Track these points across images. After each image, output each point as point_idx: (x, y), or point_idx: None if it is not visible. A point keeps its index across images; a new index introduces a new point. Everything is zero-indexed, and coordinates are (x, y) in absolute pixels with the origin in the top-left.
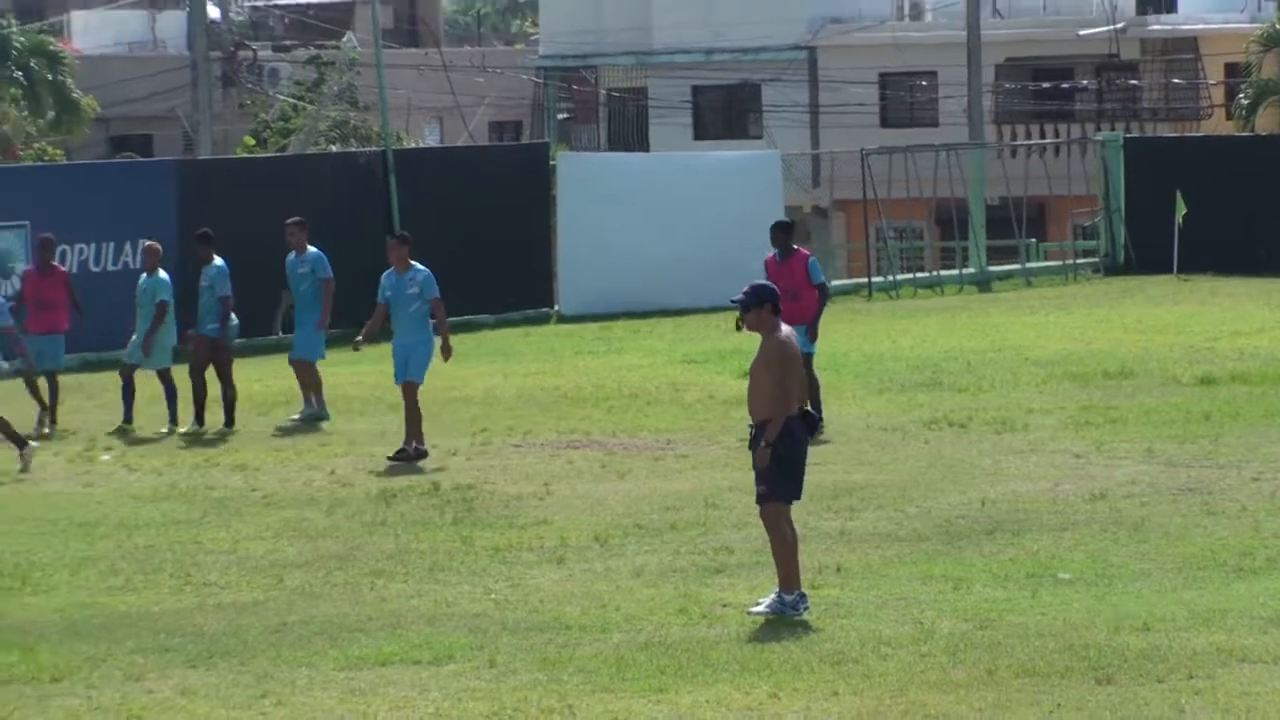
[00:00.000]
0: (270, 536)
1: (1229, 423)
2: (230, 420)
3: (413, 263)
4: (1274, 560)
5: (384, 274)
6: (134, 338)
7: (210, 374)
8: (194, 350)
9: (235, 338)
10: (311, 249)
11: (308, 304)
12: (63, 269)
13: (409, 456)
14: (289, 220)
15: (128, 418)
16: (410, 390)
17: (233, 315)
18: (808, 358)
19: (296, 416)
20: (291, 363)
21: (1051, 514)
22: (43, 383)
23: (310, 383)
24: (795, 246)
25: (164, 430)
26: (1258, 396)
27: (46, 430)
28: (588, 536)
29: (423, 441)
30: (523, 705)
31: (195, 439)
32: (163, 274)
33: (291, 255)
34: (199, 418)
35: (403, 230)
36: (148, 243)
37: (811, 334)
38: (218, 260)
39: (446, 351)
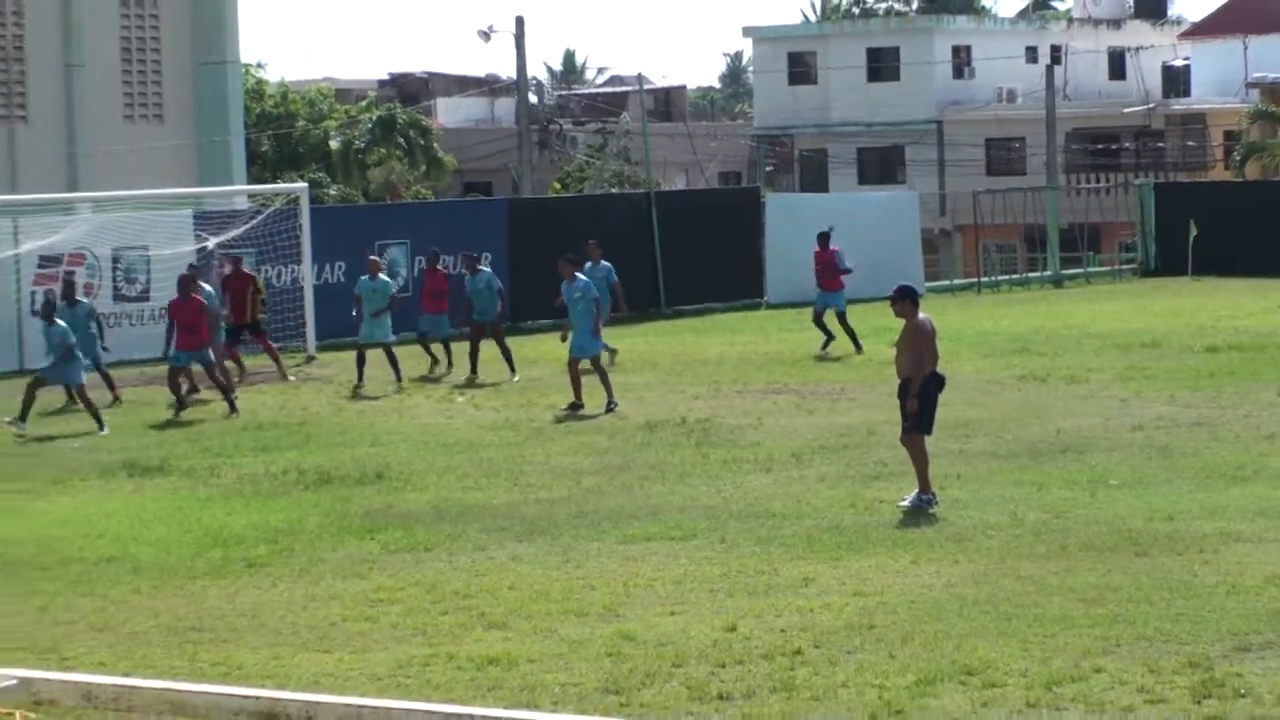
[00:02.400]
0: (571, 453)
1: (1227, 378)
2: (511, 370)
3: (577, 274)
4: (1259, 472)
5: (562, 284)
6: (364, 325)
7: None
8: (473, 330)
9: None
10: (585, 271)
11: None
12: (443, 270)
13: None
14: (589, 241)
15: (360, 380)
16: (595, 360)
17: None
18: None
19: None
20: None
21: (1104, 440)
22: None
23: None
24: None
25: (398, 385)
26: (1248, 360)
27: (444, 373)
28: (787, 454)
29: (612, 395)
30: (743, 568)
31: (524, 387)
32: (384, 277)
33: (589, 265)
34: (474, 370)
35: (570, 254)
36: (371, 257)
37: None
38: (484, 269)
39: (596, 330)
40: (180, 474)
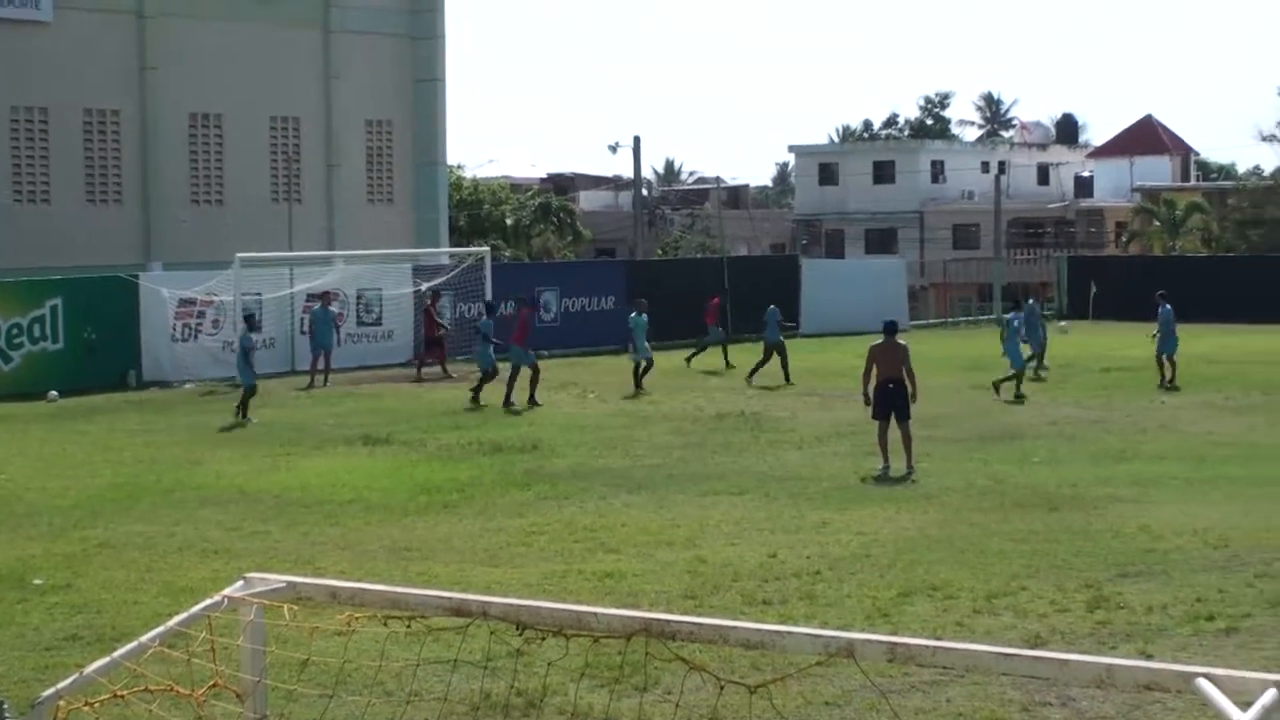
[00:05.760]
0: (665, 434)
1: (1117, 390)
2: (787, 377)
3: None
4: (1137, 454)
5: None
6: (637, 346)
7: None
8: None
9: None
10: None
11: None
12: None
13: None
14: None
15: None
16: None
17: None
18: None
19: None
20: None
21: (1030, 430)
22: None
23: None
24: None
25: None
26: (1130, 378)
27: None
28: (812, 437)
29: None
30: (780, 514)
31: (637, 391)
32: (644, 316)
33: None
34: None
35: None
36: (640, 300)
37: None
38: (644, 315)
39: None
40: (400, 444)
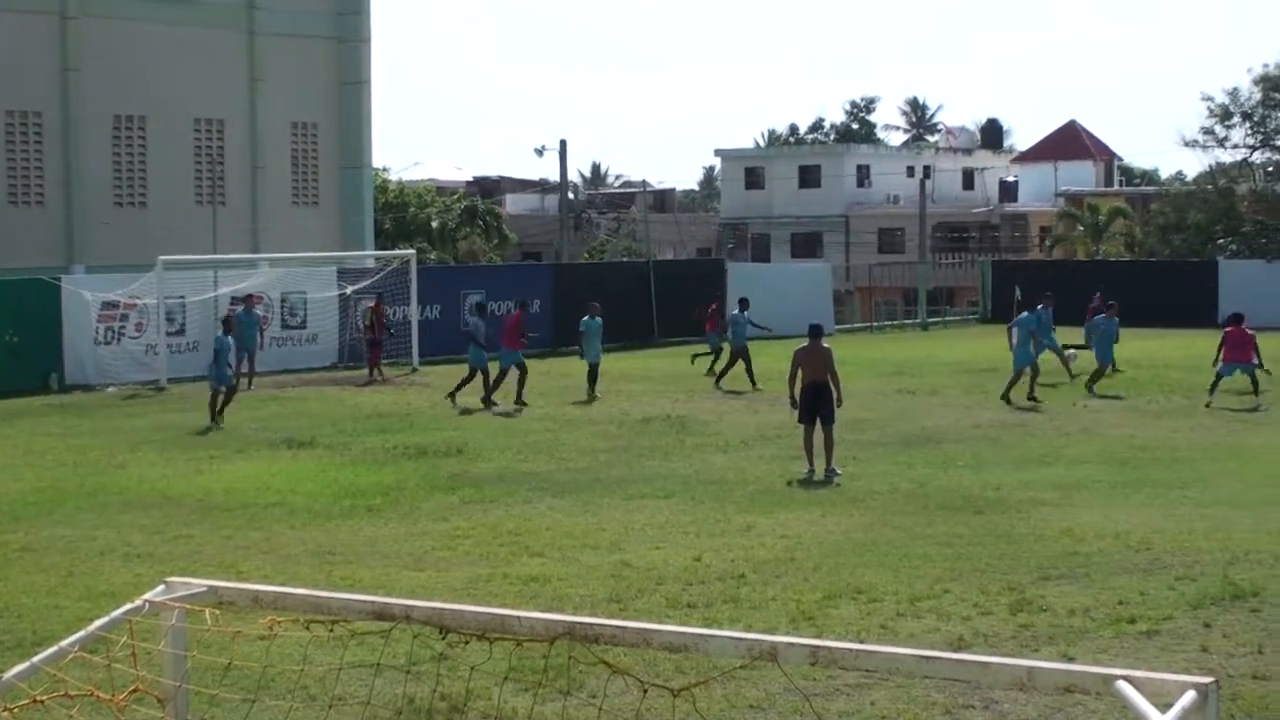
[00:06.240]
0: (591, 438)
1: (1040, 393)
2: (718, 381)
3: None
4: (1059, 458)
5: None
6: (586, 349)
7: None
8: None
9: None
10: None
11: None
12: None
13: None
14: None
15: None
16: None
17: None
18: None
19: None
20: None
21: (954, 433)
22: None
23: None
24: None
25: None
26: (1054, 381)
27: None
28: (738, 441)
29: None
30: (705, 518)
31: (561, 392)
32: (598, 320)
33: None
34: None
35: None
36: (594, 303)
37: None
38: (599, 318)
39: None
40: (324, 447)
